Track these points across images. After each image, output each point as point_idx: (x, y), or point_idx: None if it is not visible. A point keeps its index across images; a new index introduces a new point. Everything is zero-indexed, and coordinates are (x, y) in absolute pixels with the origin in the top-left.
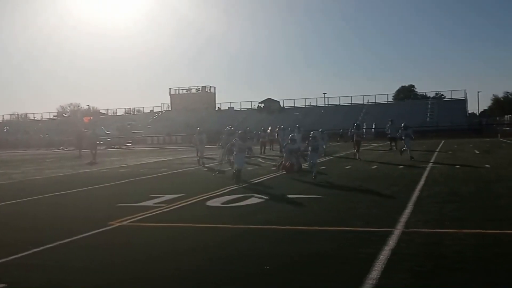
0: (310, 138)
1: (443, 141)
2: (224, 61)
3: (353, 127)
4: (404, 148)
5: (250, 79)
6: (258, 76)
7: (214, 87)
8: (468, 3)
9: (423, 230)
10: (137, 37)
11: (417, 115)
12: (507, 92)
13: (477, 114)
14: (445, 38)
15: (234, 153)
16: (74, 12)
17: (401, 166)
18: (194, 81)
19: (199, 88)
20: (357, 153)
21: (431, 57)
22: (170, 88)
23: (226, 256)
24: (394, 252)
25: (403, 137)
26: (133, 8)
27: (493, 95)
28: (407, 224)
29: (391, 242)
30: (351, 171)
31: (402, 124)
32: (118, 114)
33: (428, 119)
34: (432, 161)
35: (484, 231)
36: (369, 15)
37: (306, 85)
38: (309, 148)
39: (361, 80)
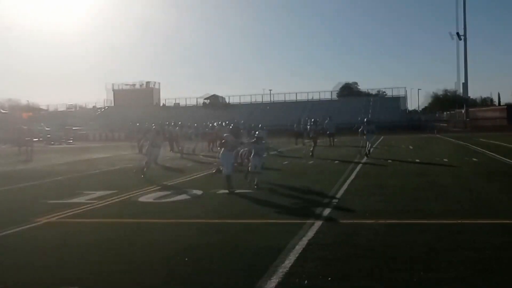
0: (255, 139)
1: (382, 137)
2: (170, 57)
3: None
4: (369, 148)
5: (195, 76)
6: (204, 72)
7: (159, 83)
8: (409, 3)
9: (342, 221)
10: (79, 32)
11: (359, 112)
12: (446, 89)
13: (418, 111)
14: (388, 36)
15: (222, 152)
16: (12, 8)
17: (336, 161)
18: (138, 77)
19: (143, 84)
20: (313, 149)
21: (374, 55)
22: (112, 84)
23: (149, 248)
24: (310, 242)
25: (365, 133)
26: (75, 3)
27: (433, 92)
28: (329, 216)
29: (310, 233)
30: (287, 166)
31: (365, 119)
32: (59, 110)
33: (369, 116)
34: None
35: (399, 221)
36: (315, 12)
37: (251, 82)
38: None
39: (306, 77)
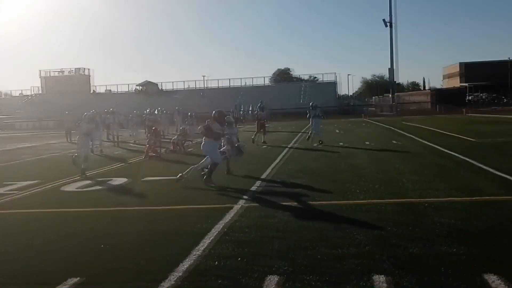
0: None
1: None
2: (101, 43)
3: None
4: (313, 132)
5: (128, 62)
6: (137, 58)
7: (89, 69)
8: None
9: (261, 205)
10: (4, 16)
11: (291, 97)
12: (374, 75)
13: (349, 96)
14: (327, 24)
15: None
16: None
17: (264, 146)
18: (69, 63)
19: (73, 70)
20: (263, 136)
21: (308, 42)
22: (40, 71)
23: (64, 239)
24: (228, 225)
25: (312, 119)
26: None
27: (362, 77)
28: (250, 200)
29: (229, 216)
30: None
31: (310, 104)
32: None
33: (301, 101)
34: (294, 141)
35: (314, 202)
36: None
37: (185, 68)
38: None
39: (244, 65)
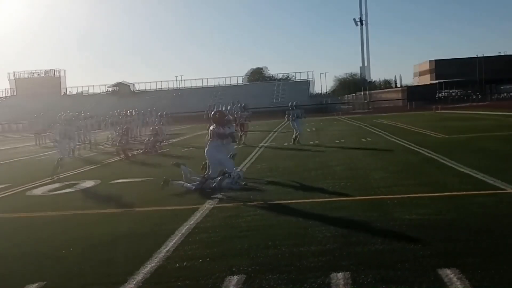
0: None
1: (287, 121)
2: (73, 44)
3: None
4: (298, 133)
5: (101, 63)
6: (110, 59)
7: (60, 70)
8: None
9: (229, 205)
10: None
11: (266, 96)
12: (348, 73)
13: (323, 94)
14: (296, 23)
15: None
16: None
17: (235, 147)
18: (40, 65)
19: (44, 72)
20: (243, 136)
21: (281, 40)
22: (8, 73)
23: (29, 243)
24: (193, 226)
25: (293, 119)
26: None
27: (335, 76)
28: (216, 200)
29: (194, 217)
30: (189, 153)
31: (290, 103)
32: None
33: (275, 100)
34: (266, 140)
35: (281, 201)
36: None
37: (159, 68)
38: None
39: (214, 63)
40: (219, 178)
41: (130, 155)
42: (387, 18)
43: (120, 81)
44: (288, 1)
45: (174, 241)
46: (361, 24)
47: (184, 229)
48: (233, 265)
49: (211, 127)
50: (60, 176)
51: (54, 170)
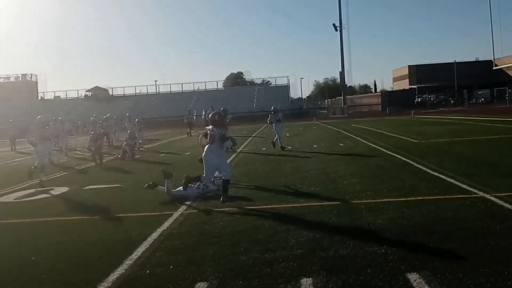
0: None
1: (265, 125)
2: (49, 48)
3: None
4: (276, 138)
5: (77, 67)
6: (86, 63)
7: (36, 75)
8: None
9: (201, 211)
10: None
11: (245, 101)
12: (327, 78)
13: (302, 99)
14: (275, 27)
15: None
16: None
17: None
18: (15, 69)
19: (19, 76)
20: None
21: (261, 45)
22: None
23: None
24: (165, 233)
25: (273, 124)
26: None
27: (315, 81)
28: (189, 207)
29: (167, 224)
30: (164, 158)
31: (272, 108)
32: None
33: (255, 105)
34: (244, 145)
35: (254, 207)
36: (206, 3)
37: (137, 73)
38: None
39: (193, 68)
40: (197, 184)
41: (104, 160)
42: (367, 24)
43: (97, 85)
44: (269, 6)
45: (145, 248)
46: (340, 30)
47: (156, 236)
48: (203, 272)
49: (209, 130)
50: (43, 179)
51: (36, 174)
